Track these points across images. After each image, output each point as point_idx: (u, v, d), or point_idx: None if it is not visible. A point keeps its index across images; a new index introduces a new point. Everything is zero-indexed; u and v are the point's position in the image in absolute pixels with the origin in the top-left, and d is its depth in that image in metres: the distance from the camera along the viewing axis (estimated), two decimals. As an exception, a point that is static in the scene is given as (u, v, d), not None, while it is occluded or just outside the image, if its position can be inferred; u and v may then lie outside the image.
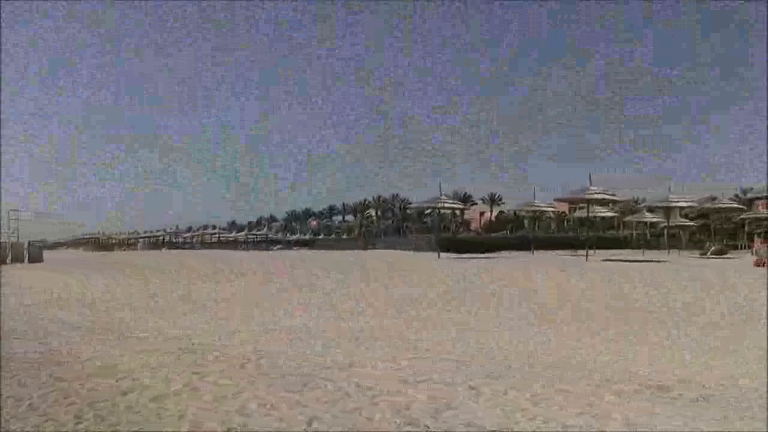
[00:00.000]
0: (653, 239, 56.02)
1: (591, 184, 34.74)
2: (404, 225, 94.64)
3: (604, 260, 31.88)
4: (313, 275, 22.27)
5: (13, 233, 52.47)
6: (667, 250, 44.39)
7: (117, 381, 5.63)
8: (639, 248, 48.66)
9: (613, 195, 37.65)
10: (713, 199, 55.33)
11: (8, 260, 41.14)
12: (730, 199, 55.08)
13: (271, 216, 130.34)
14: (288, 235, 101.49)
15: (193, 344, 7.52)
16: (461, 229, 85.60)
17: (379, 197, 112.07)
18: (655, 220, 52.32)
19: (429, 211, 70.46)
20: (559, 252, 43.62)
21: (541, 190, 41.96)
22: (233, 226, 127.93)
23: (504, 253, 43.23)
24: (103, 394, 5.17)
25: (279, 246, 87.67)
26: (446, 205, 43.38)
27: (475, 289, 16.12)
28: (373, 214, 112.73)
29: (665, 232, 51.62)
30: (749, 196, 43.52)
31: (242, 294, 15.18)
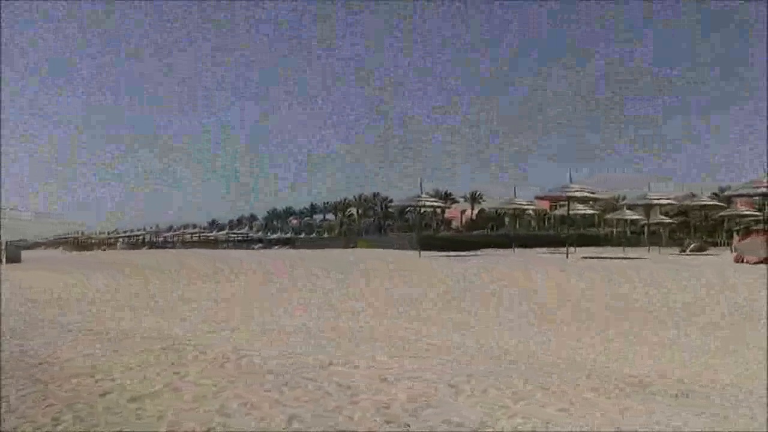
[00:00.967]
0: (633, 237, 56.43)
1: (571, 182, 34.95)
2: (385, 223, 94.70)
3: (584, 258, 32.04)
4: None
5: None
6: (647, 248, 44.65)
7: (96, 382, 5.59)
8: (619, 246, 48.95)
9: (594, 193, 37.83)
10: (693, 196, 55.76)
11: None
12: (709, 196, 55.56)
13: (252, 215, 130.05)
14: (269, 233, 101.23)
15: (174, 344, 7.48)
16: (442, 227, 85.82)
17: (360, 195, 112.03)
18: (635, 217, 52.68)
19: (410, 209, 70.60)
20: (540, 250, 43.78)
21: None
22: (214, 225, 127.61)
23: (486, 251, 43.34)
24: (82, 395, 5.14)
25: (260, 245, 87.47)
26: (427, 203, 43.42)
27: (459, 286, 16.16)
28: (354, 212, 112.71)
29: (645, 229, 51.99)
30: (728, 193, 43.89)
31: (228, 296, 15.12)
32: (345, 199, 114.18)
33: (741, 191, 34.74)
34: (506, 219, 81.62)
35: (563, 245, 37.45)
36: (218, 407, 4.70)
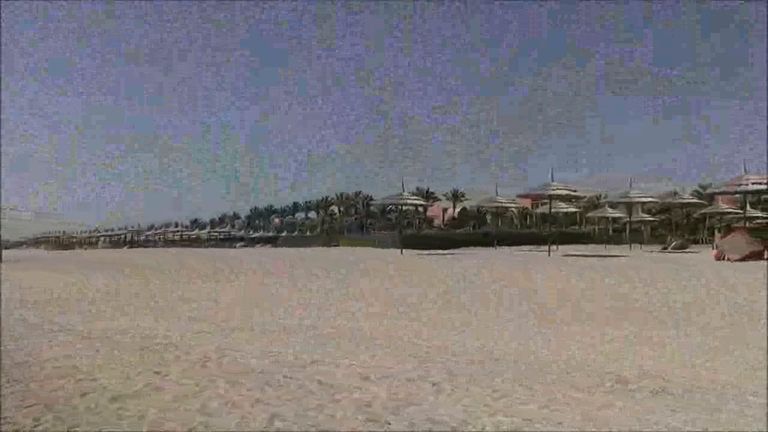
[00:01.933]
0: (615, 234, 56.73)
1: (553, 180, 35.11)
2: (367, 221, 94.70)
3: (564, 255, 32.18)
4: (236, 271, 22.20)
5: None
6: (629, 245, 44.87)
7: (77, 382, 5.57)
8: (602, 243, 49.20)
9: (575, 191, 38.02)
10: (675, 194, 56.21)
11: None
12: (691, 194, 56.02)
13: (234, 213, 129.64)
14: (251, 232, 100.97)
15: (155, 343, 7.47)
16: (424, 226, 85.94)
17: (341, 194, 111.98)
18: (617, 215, 52.99)
19: (392, 207, 70.67)
20: (522, 248, 43.93)
21: (523, 188, 42.17)
22: (195, 223, 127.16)
23: (468, 249, 43.44)
24: (62, 395, 5.12)
25: (242, 243, 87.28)
26: (409, 201, 43.47)
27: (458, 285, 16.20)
28: (336, 210, 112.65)
29: (627, 227, 52.26)
30: (709, 191, 44.23)
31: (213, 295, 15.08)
32: (327, 198, 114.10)
33: (722, 189, 35.01)
34: (488, 217, 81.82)
35: (545, 243, 37.60)
36: (199, 407, 4.70)
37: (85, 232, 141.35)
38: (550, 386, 5.19)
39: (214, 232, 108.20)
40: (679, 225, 56.22)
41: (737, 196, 40.64)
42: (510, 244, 47.89)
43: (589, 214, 57.99)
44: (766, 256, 27.02)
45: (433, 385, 5.26)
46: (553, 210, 44.15)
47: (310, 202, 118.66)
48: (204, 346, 7.25)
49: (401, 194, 40.62)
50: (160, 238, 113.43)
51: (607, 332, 8.07)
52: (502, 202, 47.47)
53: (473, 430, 4.12)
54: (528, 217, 79.34)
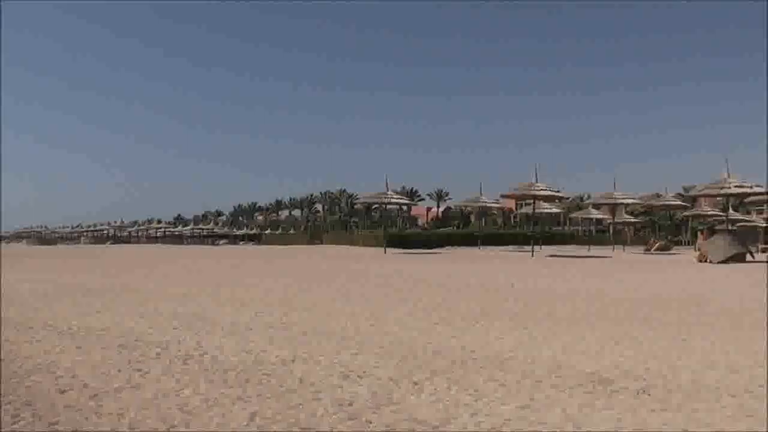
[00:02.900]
0: (598, 235, 57.06)
1: (537, 180, 35.23)
2: (351, 220, 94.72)
3: (548, 256, 32.31)
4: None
5: None
6: (612, 246, 45.09)
7: (56, 379, 5.53)
8: (585, 244, 49.43)
9: (559, 191, 38.19)
10: (658, 196, 56.54)
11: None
12: (673, 196, 56.36)
13: (217, 210, 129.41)
14: (234, 229, 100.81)
15: (135, 341, 7.44)
16: (407, 225, 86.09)
17: (326, 192, 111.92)
18: (600, 216, 53.27)
19: (376, 206, 70.73)
20: (506, 247, 44.08)
21: (507, 188, 42.28)
22: (179, 220, 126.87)
23: (451, 249, 43.52)
24: (41, 392, 5.08)
25: (225, 240, 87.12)
26: (392, 200, 43.48)
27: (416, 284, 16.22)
28: (320, 208, 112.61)
29: (611, 228, 52.56)
30: (692, 193, 44.56)
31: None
32: (311, 195, 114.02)
33: (704, 191, 35.29)
34: (472, 217, 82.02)
35: (529, 243, 37.73)
36: (180, 404, 4.68)
37: (67, 227, 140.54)
38: (531, 386, 5.21)
39: (197, 229, 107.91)
40: (662, 226, 56.58)
41: (719, 198, 40.95)
42: (494, 244, 48.04)
43: (573, 215, 58.22)
44: (747, 259, 27.30)
45: (415, 384, 5.26)
46: (536, 210, 44.32)
47: (294, 199, 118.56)
48: (185, 343, 7.23)
49: (385, 193, 40.61)
50: (143, 235, 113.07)
51: (588, 332, 8.09)
52: (485, 202, 47.59)
53: (454, 429, 4.12)
54: (512, 217, 79.63)
